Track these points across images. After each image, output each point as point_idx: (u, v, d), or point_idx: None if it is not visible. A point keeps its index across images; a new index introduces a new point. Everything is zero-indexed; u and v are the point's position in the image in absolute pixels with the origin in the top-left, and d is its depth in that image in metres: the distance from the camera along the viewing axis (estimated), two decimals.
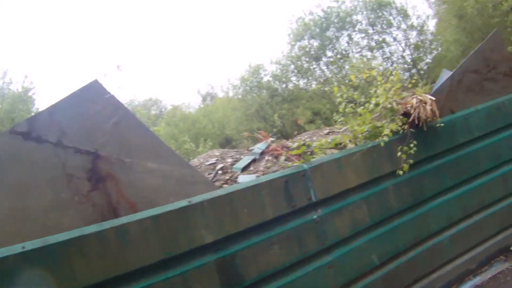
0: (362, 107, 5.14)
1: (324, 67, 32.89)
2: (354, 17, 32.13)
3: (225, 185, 6.35)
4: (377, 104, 5.01)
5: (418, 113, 4.82)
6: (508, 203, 5.76)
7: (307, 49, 32.12)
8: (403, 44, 31.40)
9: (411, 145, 4.66)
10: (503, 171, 5.79)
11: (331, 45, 31.94)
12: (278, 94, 32.71)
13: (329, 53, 32.28)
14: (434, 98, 4.94)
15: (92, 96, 4.04)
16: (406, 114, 4.94)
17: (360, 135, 5.12)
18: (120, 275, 3.31)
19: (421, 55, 31.80)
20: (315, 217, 4.31)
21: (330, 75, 31.70)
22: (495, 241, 5.59)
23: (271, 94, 32.47)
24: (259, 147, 7.77)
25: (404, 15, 31.37)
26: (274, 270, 4.01)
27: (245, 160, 7.27)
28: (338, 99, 5.37)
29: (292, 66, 32.96)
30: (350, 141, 5.27)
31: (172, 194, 4.05)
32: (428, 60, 32.03)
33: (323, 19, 31.43)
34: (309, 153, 5.14)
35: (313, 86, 32.84)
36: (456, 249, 5.26)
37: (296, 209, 4.21)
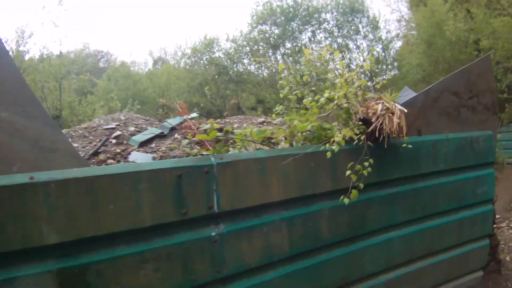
0: (309, 99, 3.95)
1: (279, 57, 31.85)
2: (323, 15, 31.23)
3: (110, 161, 5.03)
4: (330, 99, 3.82)
5: (381, 124, 3.66)
6: (458, 253, 4.81)
7: (267, 35, 30.96)
8: (365, 54, 30.71)
9: (366, 163, 3.46)
10: (461, 216, 4.79)
11: (292, 37, 30.87)
12: (226, 72, 31.34)
13: (288, 45, 31.24)
14: (405, 110, 3.78)
15: None
16: (366, 122, 3.77)
17: (299, 134, 3.92)
18: None
19: (379, 71, 31.19)
20: (213, 234, 3.07)
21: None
22: None
23: (219, 71, 31.08)
24: (171, 121, 6.41)
25: (374, 26, 30.75)
26: None
27: (148, 133, 5.92)
28: (281, 81, 4.16)
29: (247, 48, 31.69)
30: (285, 137, 4.05)
31: (19, 161, 2.82)
32: (384, 78, 31.40)
33: (290, 9, 30.38)
34: (229, 143, 3.92)
35: (264, 74, 31.75)
36: None
37: (187, 218, 2.95)
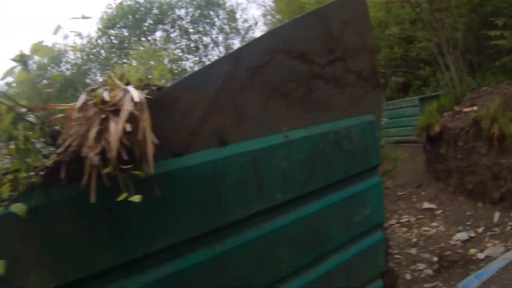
0: None
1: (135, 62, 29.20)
2: (177, 11, 28.97)
3: None
4: None
5: (78, 145, 1.35)
6: None
7: (118, 40, 28.14)
8: (221, 48, 28.87)
9: None
10: (328, 267, 2.64)
11: (145, 37, 28.22)
12: (74, 87, 27.94)
13: (141, 48, 28.66)
14: (142, 98, 1.48)
15: None
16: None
17: None
18: None
19: None
20: None
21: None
22: None
23: (65, 86, 27.52)
24: None
25: (231, 17, 28.98)
26: None
27: None
28: None
29: (102, 56, 28.63)
30: None
31: None
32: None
33: (141, 8, 27.79)
34: None
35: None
36: None
37: None
